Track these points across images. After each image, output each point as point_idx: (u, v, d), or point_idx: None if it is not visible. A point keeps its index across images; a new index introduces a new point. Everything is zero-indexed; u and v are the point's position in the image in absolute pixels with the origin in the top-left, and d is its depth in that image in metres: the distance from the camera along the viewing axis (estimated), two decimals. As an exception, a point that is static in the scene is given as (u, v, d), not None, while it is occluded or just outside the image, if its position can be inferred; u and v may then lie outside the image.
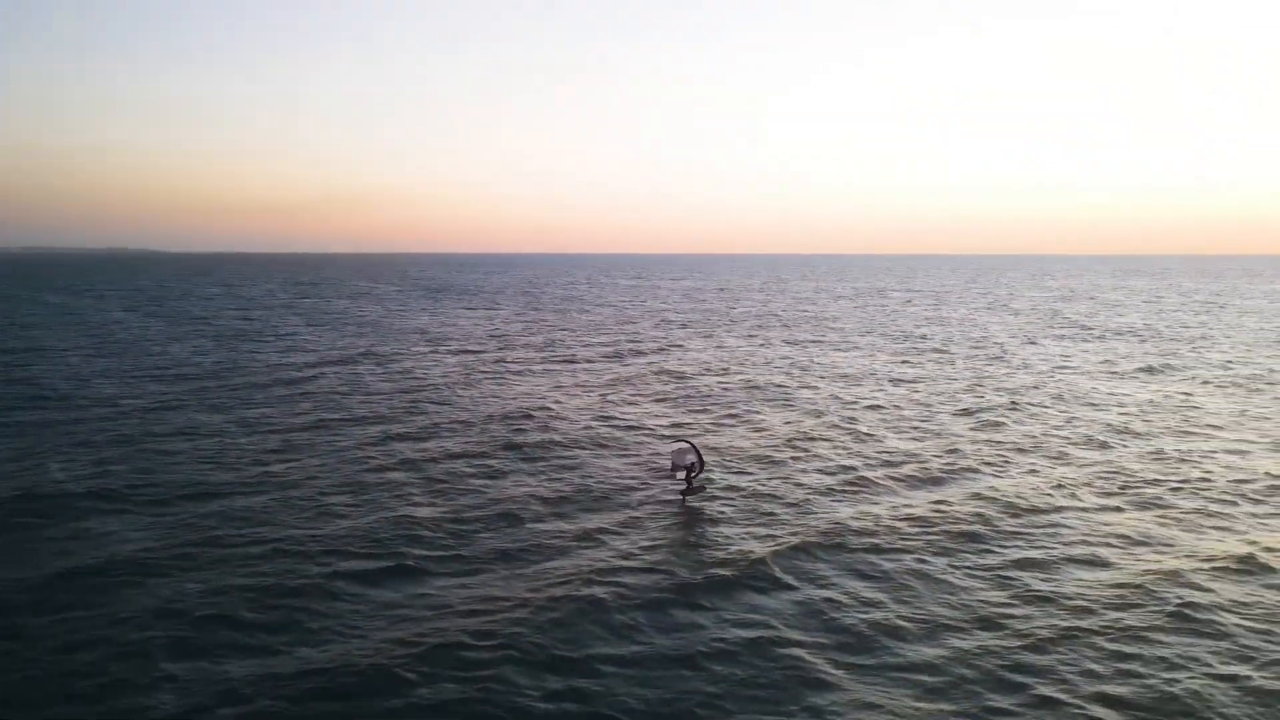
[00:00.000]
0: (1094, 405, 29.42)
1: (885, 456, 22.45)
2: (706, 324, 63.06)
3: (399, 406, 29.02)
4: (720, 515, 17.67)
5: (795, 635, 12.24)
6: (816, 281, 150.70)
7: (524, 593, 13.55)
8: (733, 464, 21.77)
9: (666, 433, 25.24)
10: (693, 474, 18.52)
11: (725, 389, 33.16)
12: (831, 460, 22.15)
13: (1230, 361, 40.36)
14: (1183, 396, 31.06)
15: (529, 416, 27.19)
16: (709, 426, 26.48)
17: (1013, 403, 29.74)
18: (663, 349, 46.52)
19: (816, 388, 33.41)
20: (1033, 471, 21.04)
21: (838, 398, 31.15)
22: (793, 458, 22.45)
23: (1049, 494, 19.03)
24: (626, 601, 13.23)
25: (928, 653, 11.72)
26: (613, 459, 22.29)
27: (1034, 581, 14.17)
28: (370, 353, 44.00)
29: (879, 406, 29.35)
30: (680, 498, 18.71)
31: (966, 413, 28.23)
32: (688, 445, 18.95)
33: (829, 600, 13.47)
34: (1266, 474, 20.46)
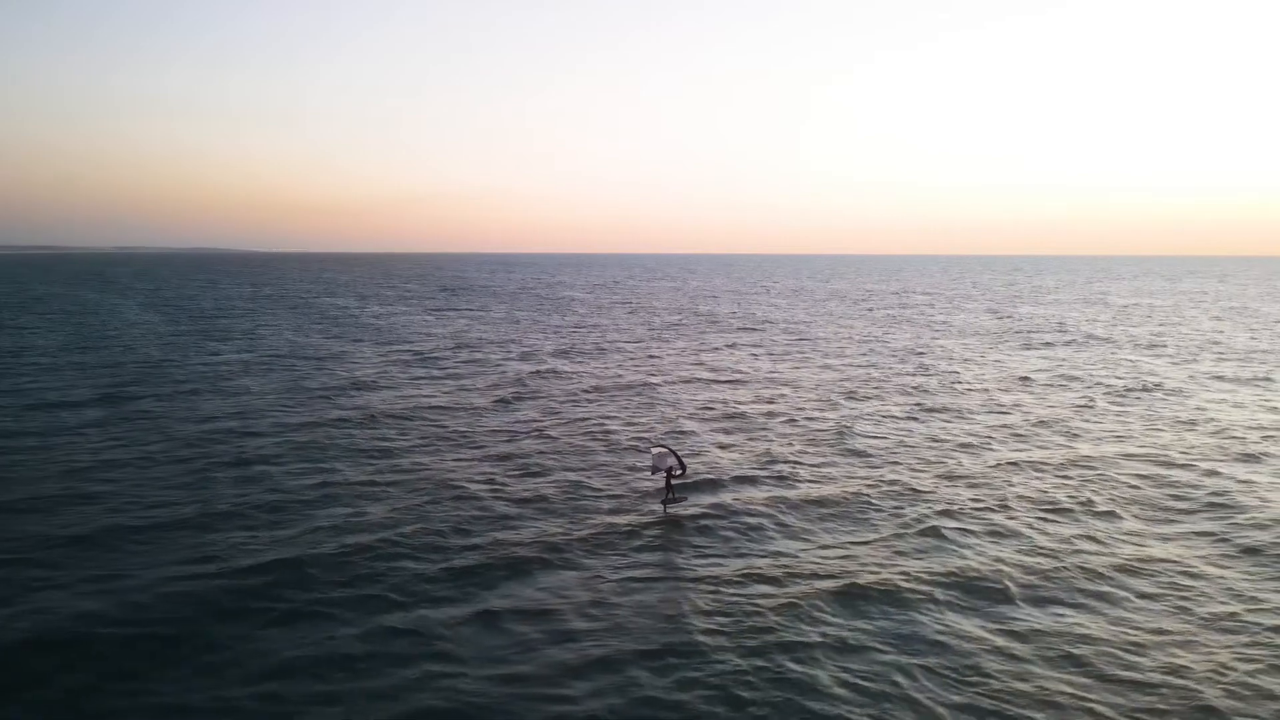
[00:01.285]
0: (967, 418, 28.49)
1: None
2: (678, 326, 63.01)
3: (272, 408, 29.66)
4: (428, 520, 17.77)
5: (358, 643, 12.36)
6: (847, 283, 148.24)
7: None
8: (503, 468, 21.98)
9: (461, 439, 25.42)
10: (673, 476, 18.23)
11: (595, 393, 33.09)
12: (612, 465, 22.30)
13: (1163, 375, 38.41)
14: (1075, 411, 29.72)
15: (369, 421, 27.49)
16: (521, 426, 26.92)
17: (890, 414, 29.02)
18: (598, 353, 46.47)
19: (689, 393, 33.24)
20: (826, 485, 20.58)
21: (696, 403, 30.97)
22: (576, 465, 22.37)
23: (801, 511, 18.63)
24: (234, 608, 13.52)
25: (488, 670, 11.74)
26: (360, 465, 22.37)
27: (682, 597, 13.97)
28: (316, 355, 44.95)
29: (740, 414, 28.93)
30: (661, 505, 18.47)
31: (811, 419, 27.86)
32: (665, 450, 18.53)
33: (485, 612, 13.49)
34: (1040, 501, 19.34)
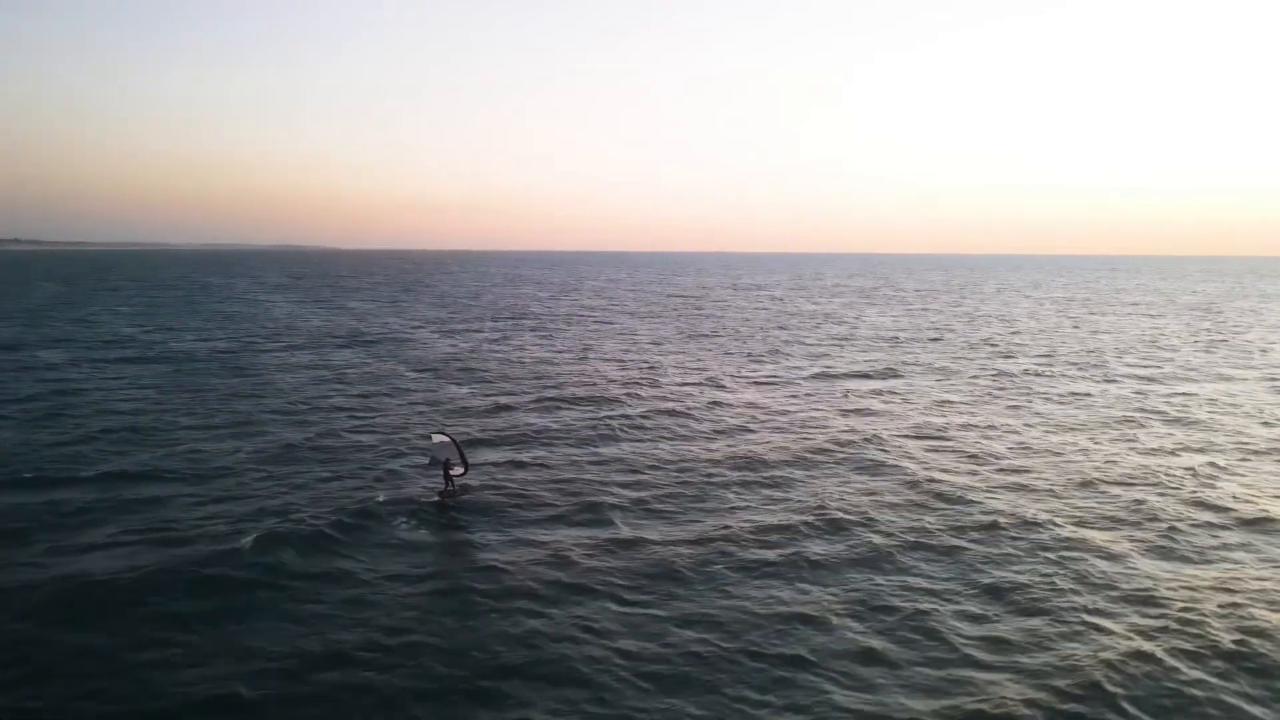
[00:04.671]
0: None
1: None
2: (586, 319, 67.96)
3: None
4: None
5: None
6: (878, 282, 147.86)
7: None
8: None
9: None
10: (452, 470, 17.20)
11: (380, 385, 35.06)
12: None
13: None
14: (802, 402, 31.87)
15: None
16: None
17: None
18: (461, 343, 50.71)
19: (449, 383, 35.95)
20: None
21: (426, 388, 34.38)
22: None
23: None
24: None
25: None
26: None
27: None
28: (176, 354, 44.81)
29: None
30: (439, 498, 17.60)
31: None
32: (447, 439, 17.41)
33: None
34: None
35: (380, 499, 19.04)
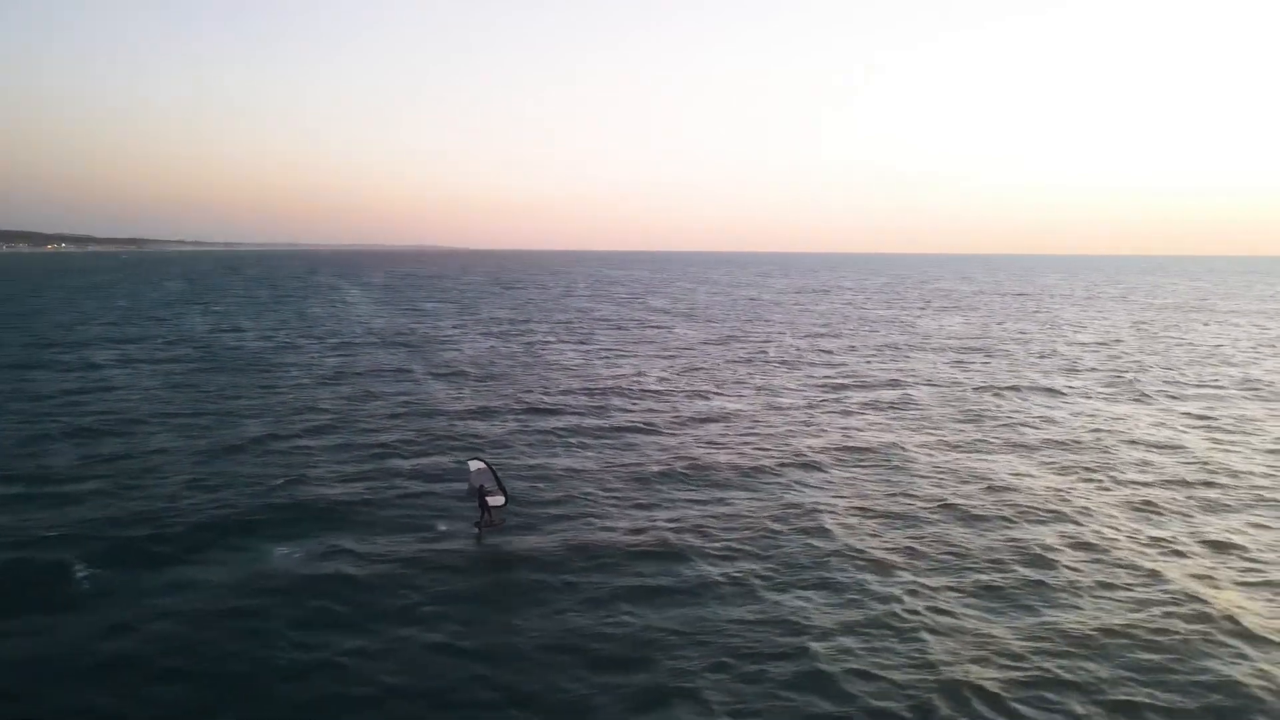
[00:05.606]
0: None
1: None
2: (587, 321, 68.43)
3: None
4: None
5: None
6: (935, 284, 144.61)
7: None
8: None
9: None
10: (489, 499, 16.54)
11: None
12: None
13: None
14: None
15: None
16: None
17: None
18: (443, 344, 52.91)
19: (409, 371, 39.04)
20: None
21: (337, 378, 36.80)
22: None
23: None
24: None
25: None
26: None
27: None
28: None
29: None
30: (476, 530, 17.01)
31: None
32: (484, 466, 16.93)
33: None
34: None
35: (276, 507, 19.67)
